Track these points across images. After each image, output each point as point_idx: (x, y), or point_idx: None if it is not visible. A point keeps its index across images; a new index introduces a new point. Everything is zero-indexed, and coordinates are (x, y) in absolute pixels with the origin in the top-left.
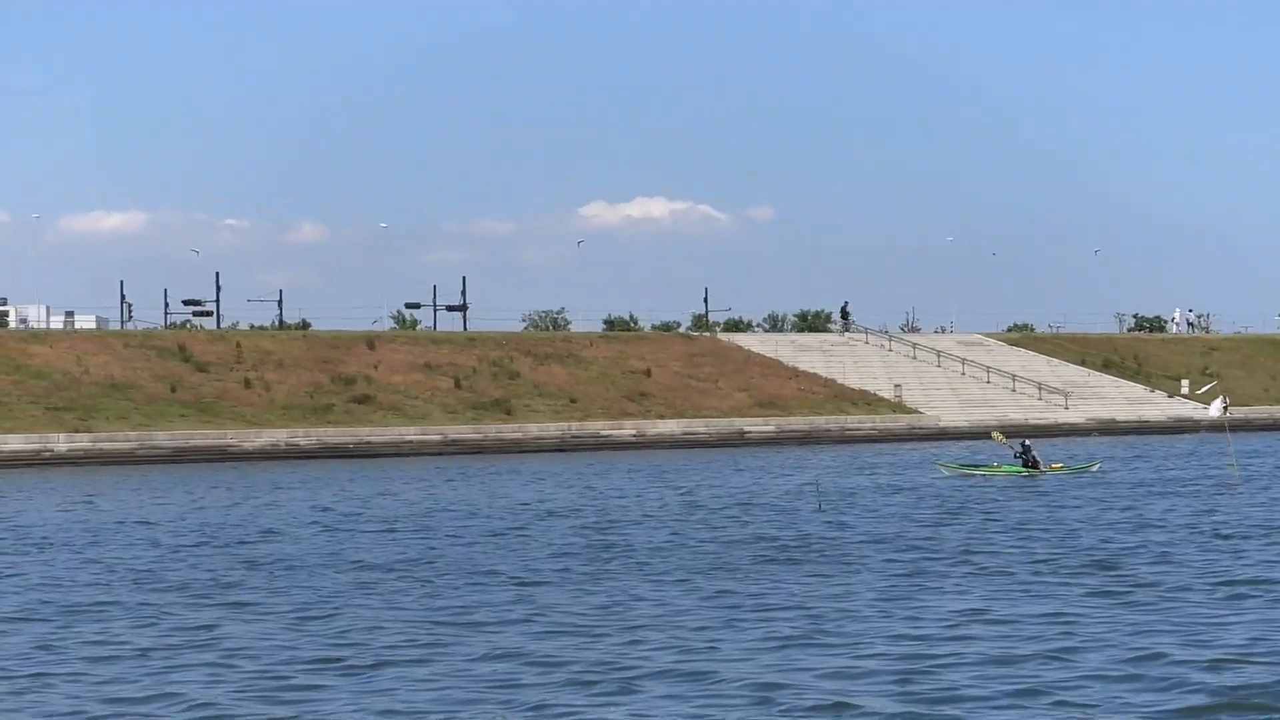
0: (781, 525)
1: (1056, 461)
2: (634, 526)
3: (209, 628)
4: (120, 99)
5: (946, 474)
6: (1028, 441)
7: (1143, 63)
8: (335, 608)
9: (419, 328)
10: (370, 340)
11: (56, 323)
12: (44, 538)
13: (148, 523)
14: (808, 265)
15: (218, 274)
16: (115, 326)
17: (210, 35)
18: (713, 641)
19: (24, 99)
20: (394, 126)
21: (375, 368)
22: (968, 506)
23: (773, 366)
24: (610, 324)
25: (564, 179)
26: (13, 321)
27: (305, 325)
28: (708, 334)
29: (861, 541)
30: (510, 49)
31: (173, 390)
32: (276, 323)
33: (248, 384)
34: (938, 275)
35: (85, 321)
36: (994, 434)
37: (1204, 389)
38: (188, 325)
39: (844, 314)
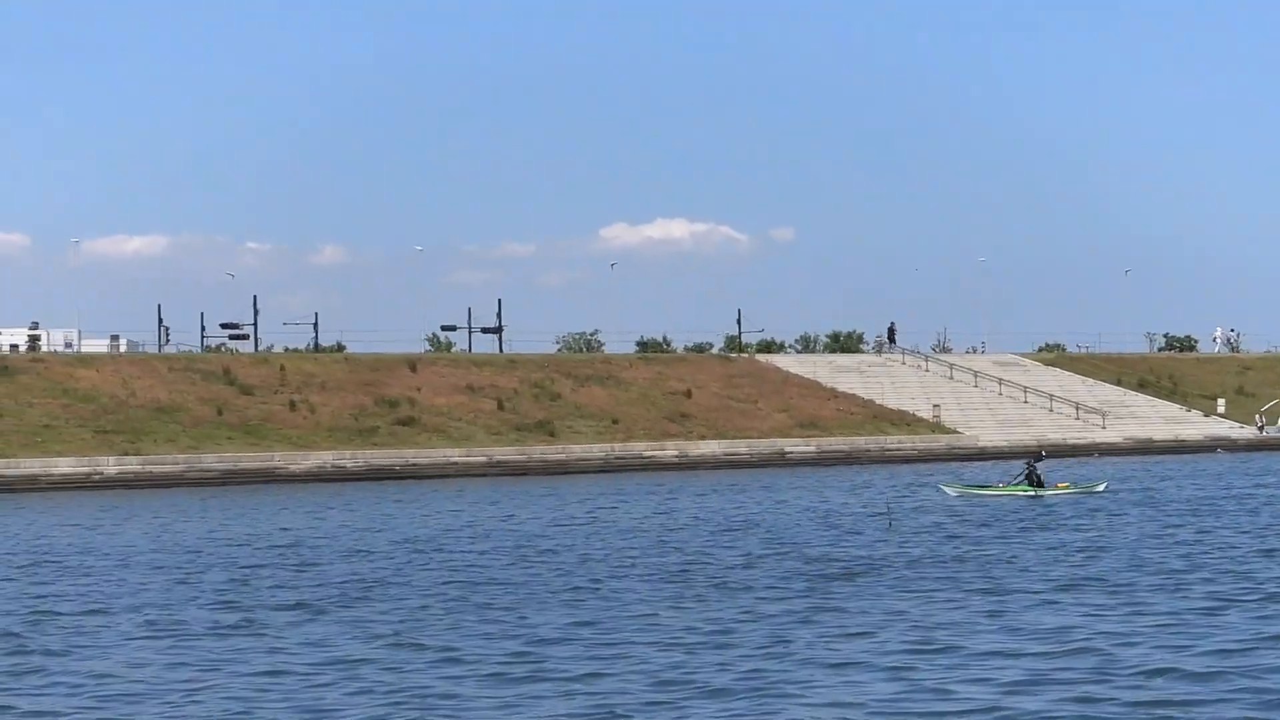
0: (858, 544)
1: (1062, 481)
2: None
3: (321, 644)
4: (138, 123)
5: (952, 494)
6: (1035, 460)
7: (1171, 83)
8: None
9: (454, 350)
10: (412, 363)
11: (89, 346)
12: (181, 557)
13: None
14: (831, 286)
15: (255, 297)
16: (149, 349)
17: (227, 58)
18: (828, 655)
19: (41, 123)
20: (414, 149)
21: (418, 390)
22: (1037, 523)
23: (811, 387)
24: (643, 345)
25: (585, 201)
26: (46, 345)
27: (341, 348)
28: (745, 355)
29: (937, 560)
30: (529, 71)
31: (219, 413)
32: (312, 345)
33: (293, 406)
34: (967, 296)
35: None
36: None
37: (1267, 406)
38: (223, 348)
39: (890, 335)
